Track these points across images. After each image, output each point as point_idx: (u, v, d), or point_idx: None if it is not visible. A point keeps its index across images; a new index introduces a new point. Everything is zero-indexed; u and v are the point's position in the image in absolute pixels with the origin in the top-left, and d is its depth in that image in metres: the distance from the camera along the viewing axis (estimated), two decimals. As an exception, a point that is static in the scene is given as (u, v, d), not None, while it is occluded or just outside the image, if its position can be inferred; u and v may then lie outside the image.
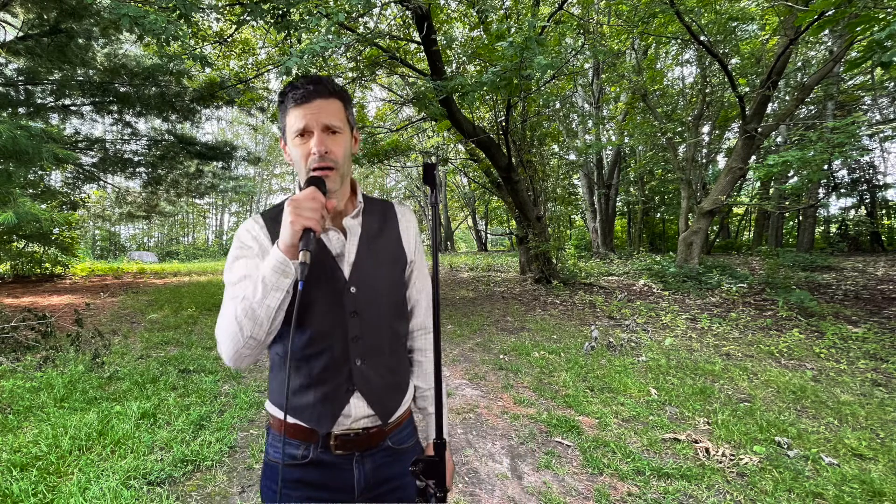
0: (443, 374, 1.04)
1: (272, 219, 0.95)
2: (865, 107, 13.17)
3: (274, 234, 0.92)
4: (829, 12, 4.14)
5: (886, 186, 15.26)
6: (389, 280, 0.99)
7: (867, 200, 15.33)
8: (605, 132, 15.51)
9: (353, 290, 0.92)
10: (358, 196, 1.00)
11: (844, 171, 15.41)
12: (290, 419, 0.92)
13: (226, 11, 6.94)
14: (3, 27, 7.57)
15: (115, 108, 9.73)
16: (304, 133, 0.89)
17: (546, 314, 6.82)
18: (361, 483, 0.94)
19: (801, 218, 14.32)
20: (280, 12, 4.72)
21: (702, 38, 8.08)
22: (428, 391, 1.07)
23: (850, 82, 12.18)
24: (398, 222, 1.05)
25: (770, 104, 10.12)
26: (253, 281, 0.81)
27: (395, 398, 0.99)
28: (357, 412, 0.92)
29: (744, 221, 20.95)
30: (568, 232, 19.87)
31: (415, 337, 1.08)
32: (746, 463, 2.52)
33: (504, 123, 8.10)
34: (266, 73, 9.02)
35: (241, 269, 0.89)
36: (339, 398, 0.91)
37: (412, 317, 1.07)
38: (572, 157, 13.99)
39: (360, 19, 7.25)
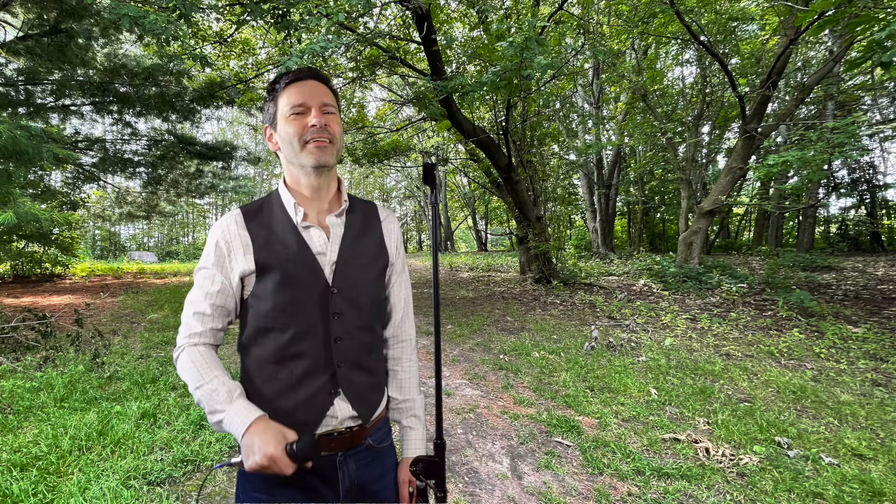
0: (442, 373, 1.03)
1: (254, 213, 0.95)
2: (865, 107, 13.16)
3: (255, 236, 0.92)
4: (829, 12, 4.13)
5: (886, 186, 15.24)
6: (371, 281, 0.97)
7: (867, 200, 15.31)
8: (605, 132, 15.50)
9: (335, 290, 0.91)
10: (343, 195, 0.99)
11: (844, 171, 15.39)
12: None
13: (226, 11, 6.93)
14: (3, 27, 7.57)
15: (115, 108, 9.74)
16: (302, 108, 0.89)
17: (546, 314, 6.82)
18: (346, 483, 0.93)
19: (801, 218, 14.31)
20: (280, 12, 4.72)
21: (702, 38, 8.08)
22: (402, 403, 1.03)
23: (850, 82, 12.17)
24: (381, 224, 1.03)
25: (770, 104, 10.11)
26: (213, 395, 0.82)
27: (375, 398, 0.97)
28: (342, 413, 0.91)
29: (744, 221, 20.94)
30: (568, 232, 19.86)
31: (390, 346, 1.05)
32: (746, 463, 2.52)
33: (504, 123, 8.10)
34: (266, 73, 9.02)
35: (200, 281, 0.92)
36: (323, 401, 0.90)
37: (388, 322, 1.05)
38: (572, 157, 13.99)
39: (360, 19, 7.25)
